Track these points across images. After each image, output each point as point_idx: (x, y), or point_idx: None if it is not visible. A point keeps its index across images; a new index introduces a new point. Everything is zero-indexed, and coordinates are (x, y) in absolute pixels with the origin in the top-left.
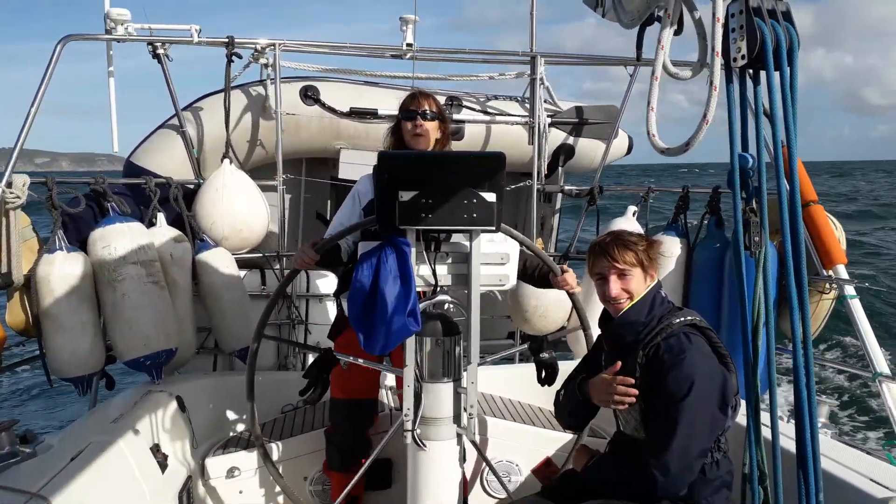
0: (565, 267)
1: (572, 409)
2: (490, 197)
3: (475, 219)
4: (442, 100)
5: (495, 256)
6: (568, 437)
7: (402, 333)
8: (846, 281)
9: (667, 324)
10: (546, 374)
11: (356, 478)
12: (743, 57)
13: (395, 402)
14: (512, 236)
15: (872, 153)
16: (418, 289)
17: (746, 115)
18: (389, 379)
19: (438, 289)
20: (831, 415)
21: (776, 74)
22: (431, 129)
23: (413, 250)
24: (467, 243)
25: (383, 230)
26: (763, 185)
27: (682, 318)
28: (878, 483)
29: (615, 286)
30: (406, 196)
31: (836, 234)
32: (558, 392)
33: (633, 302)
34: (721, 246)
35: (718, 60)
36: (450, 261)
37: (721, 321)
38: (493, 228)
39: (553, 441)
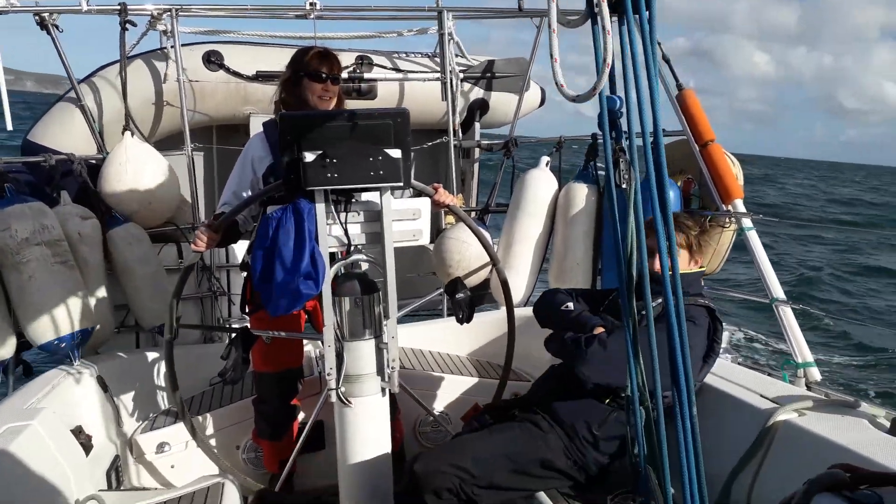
0: (436, 185)
1: (562, 323)
2: (395, 153)
3: (381, 176)
4: (351, 58)
5: (407, 212)
6: (492, 382)
7: (299, 295)
8: (744, 214)
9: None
10: (463, 314)
11: (297, 447)
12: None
13: (322, 366)
14: (417, 188)
15: (838, 155)
16: (333, 249)
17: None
18: (313, 343)
19: (353, 248)
20: (733, 342)
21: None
22: (335, 90)
23: (318, 210)
24: (378, 200)
25: (290, 192)
26: (632, 124)
27: (704, 302)
28: (765, 398)
29: (658, 263)
30: (310, 157)
31: (734, 170)
32: (556, 297)
33: (694, 271)
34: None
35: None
36: (362, 219)
37: None
38: (402, 185)
39: (480, 388)
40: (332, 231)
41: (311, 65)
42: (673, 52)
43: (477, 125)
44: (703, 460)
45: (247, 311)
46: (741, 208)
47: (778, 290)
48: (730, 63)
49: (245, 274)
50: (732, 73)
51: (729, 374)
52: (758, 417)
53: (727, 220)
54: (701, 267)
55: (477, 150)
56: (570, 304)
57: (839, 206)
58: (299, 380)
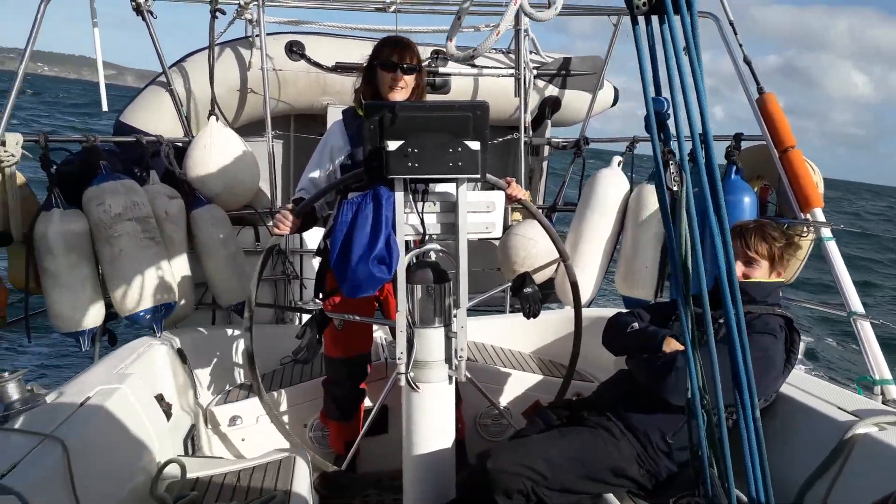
0: (509, 179)
1: (633, 345)
2: (474, 145)
3: (460, 167)
4: (427, 52)
5: (481, 204)
6: (555, 380)
7: (373, 278)
8: (823, 224)
9: (763, 313)
10: (530, 308)
11: (364, 430)
12: (644, 4)
13: (390, 352)
14: (497, 186)
15: None
16: (409, 238)
17: (656, 59)
18: (382, 329)
19: (427, 237)
20: (809, 353)
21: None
22: (410, 81)
23: (399, 199)
24: (454, 192)
25: (372, 180)
26: (681, 126)
27: (782, 311)
28: (844, 410)
29: (738, 270)
30: (393, 146)
31: (814, 178)
32: (620, 320)
33: (772, 281)
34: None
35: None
36: (438, 209)
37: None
38: (479, 177)
39: (542, 385)
40: (409, 220)
41: (382, 53)
42: (761, 68)
43: (548, 123)
44: (777, 468)
45: (320, 296)
46: (820, 217)
47: (857, 303)
48: (824, 83)
49: (319, 259)
50: (826, 94)
51: (804, 385)
52: (835, 429)
53: (805, 228)
54: (782, 279)
55: (546, 147)
56: (636, 325)
57: None
58: (368, 364)
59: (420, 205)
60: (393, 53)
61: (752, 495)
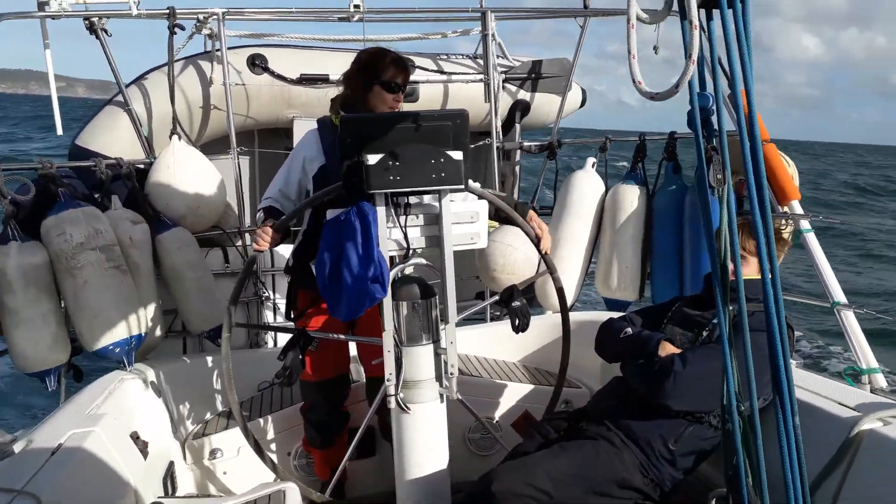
0: (541, 231)
1: (627, 351)
2: (457, 155)
3: (443, 178)
4: None
5: (465, 215)
6: (543, 389)
7: (369, 299)
8: (801, 216)
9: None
10: (519, 322)
11: (348, 454)
12: None
13: (361, 374)
14: (478, 194)
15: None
16: (392, 253)
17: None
18: (353, 350)
19: (411, 252)
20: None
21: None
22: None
23: (381, 214)
24: (436, 204)
25: (351, 196)
26: (723, 122)
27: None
28: (846, 406)
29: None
30: (373, 159)
31: (790, 170)
32: (612, 325)
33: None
34: (679, 190)
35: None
36: (421, 222)
37: (684, 265)
38: (462, 187)
39: (530, 395)
40: (392, 234)
41: (386, 73)
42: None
43: (517, 126)
44: (776, 469)
45: (292, 316)
46: (798, 210)
47: (839, 294)
48: (776, 47)
49: (290, 278)
50: (778, 58)
51: (801, 382)
52: (839, 426)
53: (784, 221)
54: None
55: (518, 151)
56: (629, 330)
57: None
58: (347, 386)
59: (403, 218)
60: (399, 75)
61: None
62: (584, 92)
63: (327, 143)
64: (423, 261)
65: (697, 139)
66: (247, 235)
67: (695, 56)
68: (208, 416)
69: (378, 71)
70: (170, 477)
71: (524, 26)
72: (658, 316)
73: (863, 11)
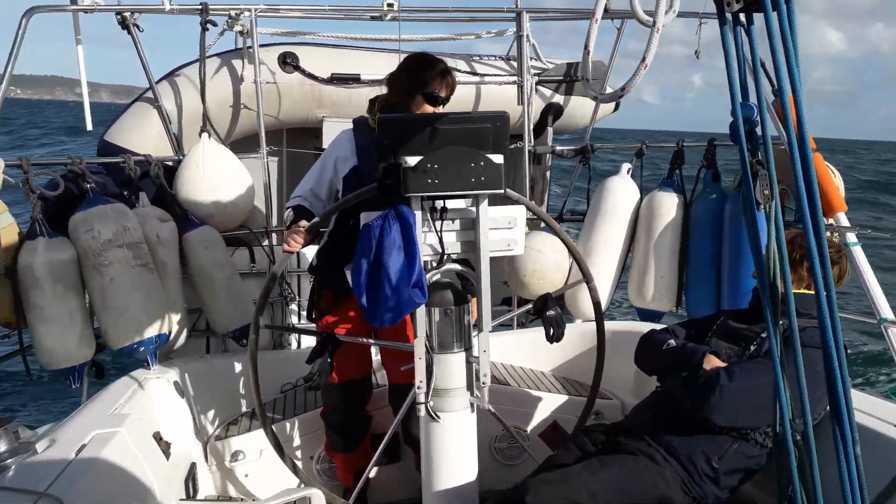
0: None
1: (670, 364)
2: (497, 158)
3: (483, 182)
4: None
5: (503, 220)
6: (573, 400)
7: (409, 305)
8: (848, 228)
9: (808, 325)
10: (554, 332)
11: (374, 460)
12: (738, 0)
13: (383, 378)
14: (515, 199)
15: None
16: (425, 258)
17: (744, 62)
18: (375, 354)
19: (445, 257)
20: None
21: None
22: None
23: (417, 218)
24: (473, 208)
25: (386, 199)
26: (767, 134)
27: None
28: None
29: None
30: (411, 161)
31: (836, 181)
32: (654, 337)
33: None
34: (718, 199)
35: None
36: (457, 227)
37: (721, 275)
38: (502, 192)
39: (558, 405)
40: (427, 239)
41: (432, 84)
42: None
43: (549, 130)
44: (833, 497)
45: (313, 316)
46: (844, 222)
47: (886, 310)
48: (802, 44)
49: (313, 278)
50: (805, 54)
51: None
52: (893, 449)
53: (830, 235)
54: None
55: (550, 156)
56: (672, 342)
57: None
58: (369, 389)
59: (439, 223)
60: (444, 88)
61: None
62: None
63: (361, 144)
64: (458, 266)
65: (742, 153)
66: (273, 235)
67: (649, 59)
68: (230, 417)
69: (424, 81)
70: (191, 478)
71: (542, 25)
72: (702, 329)
73: (889, 5)
